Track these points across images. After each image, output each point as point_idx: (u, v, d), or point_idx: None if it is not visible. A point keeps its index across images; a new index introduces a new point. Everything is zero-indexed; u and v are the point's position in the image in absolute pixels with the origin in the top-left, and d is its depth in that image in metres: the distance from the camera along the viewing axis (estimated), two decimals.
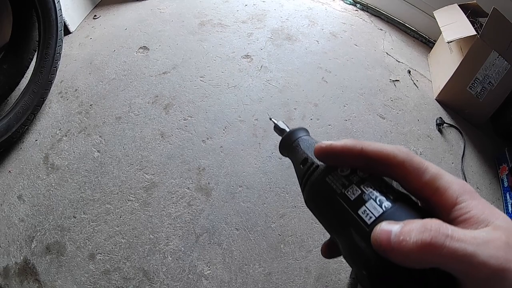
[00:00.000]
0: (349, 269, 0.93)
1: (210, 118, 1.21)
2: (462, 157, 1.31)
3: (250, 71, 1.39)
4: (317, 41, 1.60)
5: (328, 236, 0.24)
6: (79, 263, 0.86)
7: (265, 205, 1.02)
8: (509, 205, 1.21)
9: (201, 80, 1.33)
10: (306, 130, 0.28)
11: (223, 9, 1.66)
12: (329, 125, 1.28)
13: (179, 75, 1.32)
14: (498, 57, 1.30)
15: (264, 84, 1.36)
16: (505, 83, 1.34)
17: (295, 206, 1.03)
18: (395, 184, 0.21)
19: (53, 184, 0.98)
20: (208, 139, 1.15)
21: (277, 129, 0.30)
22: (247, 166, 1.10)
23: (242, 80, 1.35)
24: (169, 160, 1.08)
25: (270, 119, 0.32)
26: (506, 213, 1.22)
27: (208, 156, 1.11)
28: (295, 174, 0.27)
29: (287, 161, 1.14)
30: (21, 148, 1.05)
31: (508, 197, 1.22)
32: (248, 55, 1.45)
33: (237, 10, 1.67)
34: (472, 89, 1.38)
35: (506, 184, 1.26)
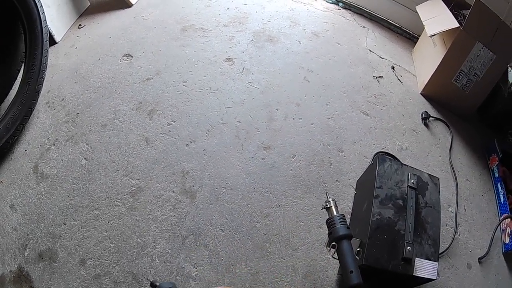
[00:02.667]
0: (337, 266, 0.95)
1: (193, 122, 1.23)
2: (450, 150, 1.31)
3: (232, 74, 1.41)
4: (299, 41, 1.60)
5: None
6: (71, 269, 0.88)
7: (249, 205, 1.04)
8: (501, 195, 1.21)
9: (183, 85, 1.34)
10: (174, 284, 0.45)
11: (205, 14, 1.66)
12: (312, 124, 1.29)
13: (162, 81, 1.34)
14: (482, 48, 1.29)
15: (246, 86, 1.37)
16: (491, 74, 1.34)
17: (279, 206, 1.05)
18: None
19: (43, 193, 1.01)
20: (191, 142, 1.18)
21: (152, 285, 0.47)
22: (230, 168, 1.12)
23: (224, 83, 1.37)
24: (154, 165, 1.10)
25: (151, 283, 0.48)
26: (498, 203, 1.22)
27: (192, 159, 1.13)
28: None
29: (270, 161, 1.16)
30: (11, 158, 1.08)
31: (499, 187, 1.22)
32: (229, 58, 1.47)
33: (219, 14, 1.67)
34: (458, 81, 1.38)
35: (497, 174, 1.26)
